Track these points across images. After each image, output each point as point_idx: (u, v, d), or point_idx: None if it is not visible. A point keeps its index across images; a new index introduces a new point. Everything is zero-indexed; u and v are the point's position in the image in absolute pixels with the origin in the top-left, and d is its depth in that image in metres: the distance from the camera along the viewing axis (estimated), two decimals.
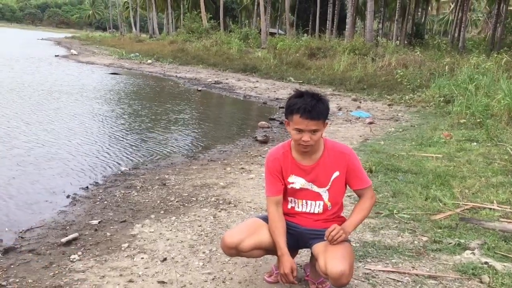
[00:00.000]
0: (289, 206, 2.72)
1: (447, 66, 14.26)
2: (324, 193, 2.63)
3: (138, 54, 26.62)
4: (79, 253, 3.43)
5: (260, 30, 33.14)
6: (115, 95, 13.24)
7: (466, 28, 31.29)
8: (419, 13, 40.95)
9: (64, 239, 3.66)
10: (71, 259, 3.31)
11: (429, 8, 44.07)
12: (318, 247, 2.59)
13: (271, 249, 2.69)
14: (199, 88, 14.60)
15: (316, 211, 2.67)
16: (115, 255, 3.37)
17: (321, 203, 2.65)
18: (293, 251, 2.85)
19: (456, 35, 32.55)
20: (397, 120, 9.71)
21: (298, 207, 2.71)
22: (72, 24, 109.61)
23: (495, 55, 14.15)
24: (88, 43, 42.31)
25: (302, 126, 2.42)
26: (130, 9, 64.17)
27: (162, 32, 49.10)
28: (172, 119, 9.57)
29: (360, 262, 3.18)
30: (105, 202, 4.62)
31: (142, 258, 3.32)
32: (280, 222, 2.63)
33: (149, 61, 23.05)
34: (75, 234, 3.76)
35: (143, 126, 8.79)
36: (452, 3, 44.49)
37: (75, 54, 28.38)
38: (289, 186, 2.66)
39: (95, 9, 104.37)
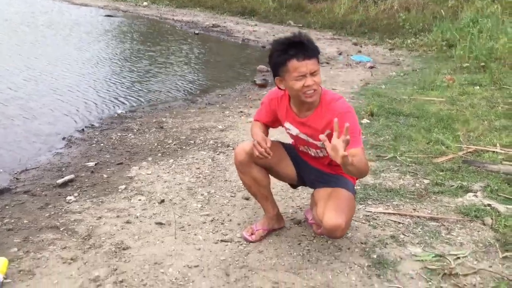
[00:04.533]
0: (285, 124, 2.59)
1: (450, 9, 13.83)
2: (321, 145, 2.44)
3: None
4: (75, 194, 3.38)
5: None
6: (109, 34, 12.89)
7: None
8: None
9: (60, 181, 3.60)
10: (67, 200, 3.27)
11: None
12: (321, 193, 2.50)
13: (278, 176, 2.73)
14: (197, 32, 14.19)
15: (320, 155, 2.57)
16: (112, 197, 3.33)
17: (323, 149, 2.51)
18: (296, 184, 2.83)
19: None
20: (398, 65, 9.50)
21: (301, 149, 2.65)
22: None
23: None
24: None
25: (303, 68, 2.23)
26: None
27: None
28: (169, 62, 9.33)
29: (361, 204, 3.14)
30: (102, 144, 4.53)
31: (140, 199, 3.28)
32: (257, 123, 2.65)
33: (145, 3, 22.27)
34: (71, 176, 3.70)
35: (139, 68, 8.56)
36: None
37: None
38: (287, 131, 2.60)
39: None
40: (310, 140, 2.50)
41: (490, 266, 2.44)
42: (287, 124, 2.55)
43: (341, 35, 14.14)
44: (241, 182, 2.76)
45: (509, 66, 7.26)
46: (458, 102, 5.64)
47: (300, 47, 2.26)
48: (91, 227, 2.88)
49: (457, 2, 15.30)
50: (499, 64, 7.35)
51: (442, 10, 13.60)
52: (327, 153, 2.53)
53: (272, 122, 2.65)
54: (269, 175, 2.69)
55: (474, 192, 3.23)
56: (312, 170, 2.64)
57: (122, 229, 2.87)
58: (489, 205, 3.04)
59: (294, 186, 2.92)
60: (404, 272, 2.41)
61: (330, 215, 2.29)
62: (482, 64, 7.64)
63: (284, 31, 14.53)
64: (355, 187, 2.63)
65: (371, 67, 9.10)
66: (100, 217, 3.01)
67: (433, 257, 2.51)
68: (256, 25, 16.19)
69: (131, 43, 11.69)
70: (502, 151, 3.94)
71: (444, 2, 15.93)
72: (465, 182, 3.39)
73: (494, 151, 3.96)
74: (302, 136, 2.51)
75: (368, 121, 4.95)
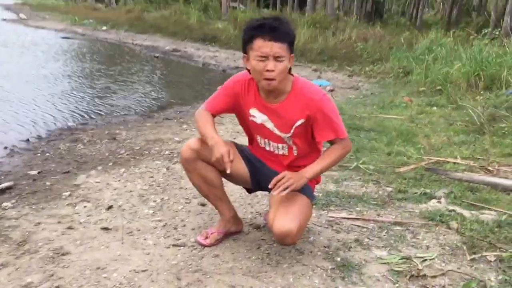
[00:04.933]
0: (251, 111, 2.36)
1: (406, 40, 14.29)
2: (287, 138, 2.32)
3: (92, 21, 25.37)
4: (13, 201, 3.08)
5: (221, 2, 32.35)
6: (67, 54, 12.56)
7: (423, 9, 31.69)
8: None
9: None
10: (3, 207, 2.96)
11: None
12: (274, 197, 2.29)
13: (234, 177, 2.49)
14: (156, 55, 14.02)
15: (280, 153, 2.40)
16: (54, 203, 3.04)
17: (285, 146, 2.37)
18: (252, 188, 2.62)
19: (413, 14, 32.90)
20: (357, 89, 9.59)
21: (261, 144, 2.43)
22: None
23: (452, 32, 14.29)
24: (39, 9, 40.17)
25: (266, 49, 2.07)
26: None
27: (119, 1, 47.24)
28: (127, 80, 9.07)
29: (323, 210, 2.99)
30: (47, 154, 4.23)
31: (85, 206, 3.01)
32: (209, 117, 2.36)
33: (104, 27, 21.99)
34: (10, 183, 3.39)
35: (96, 85, 8.28)
36: None
37: (24, 19, 26.86)
38: (250, 119, 2.35)
39: None
40: (276, 131, 2.31)
41: (459, 268, 2.31)
42: (252, 111, 2.33)
43: (301, 62, 14.27)
44: (191, 183, 2.53)
45: (464, 89, 7.42)
46: (417, 120, 5.65)
47: (271, 28, 2.10)
48: (27, 233, 2.59)
49: (412, 34, 15.89)
50: (454, 86, 7.50)
51: (402, 39, 14.01)
52: (288, 151, 2.39)
53: (227, 109, 2.41)
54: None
55: (437, 199, 3.14)
56: (269, 173, 2.41)
57: (63, 234, 2.59)
58: (453, 210, 2.95)
59: (249, 190, 2.72)
60: (369, 275, 2.25)
61: (280, 220, 2.12)
62: (438, 87, 7.79)
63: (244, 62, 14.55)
64: (314, 193, 2.48)
65: (331, 91, 9.14)
66: (38, 223, 2.72)
67: (399, 259, 2.37)
68: (217, 51, 16.19)
69: (89, 62, 11.39)
70: (463, 162, 3.91)
71: (399, 34, 16.51)
72: (428, 189, 3.31)
73: (455, 162, 3.92)
74: (268, 125, 2.31)
75: None
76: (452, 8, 29.68)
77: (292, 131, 2.29)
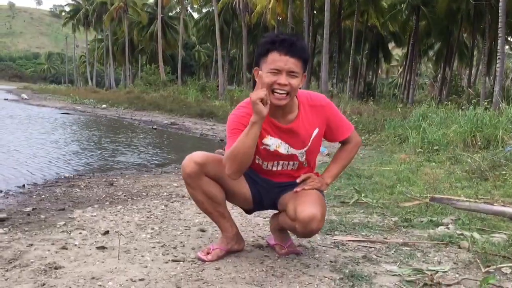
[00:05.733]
0: (257, 161, 2.30)
1: (399, 113, 14.62)
2: (300, 154, 2.29)
3: (92, 100, 26.10)
4: (5, 229, 2.95)
5: (218, 84, 33.38)
6: (68, 125, 12.76)
7: (414, 90, 32.83)
8: (369, 76, 42.86)
9: None
10: None
11: (379, 71, 46.29)
12: (287, 196, 2.30)
13: (231, 195, 2.37)
14: (155, 127, 14.25)
15: (289, 169, 2.35)
16: (48, 230, 2.93)
17: (296, 162, 2.33)
18: (251, 207, 2.51)
19: (404, 96, 33.96)
20: None
21: (267, 167, 2.33)
22: (26, 77, 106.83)
23: (445, 104, 14.69)
24: (41, 92, 41.41)
25: (281, 63, 2.06)
26: (87, 64, 63.72)
27: (120, 85, 48.81)
28: (126, 145, 9.12)
29: (328, 234, 2.88)
30: (43, 196, 4.15)
31: (80, 233, 2.89)
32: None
33: (104, 105, 22.57)
34: (3, 215, 3.28)
35: (94, 147, 8.32)
36: (401, 67, 46.96)
37: (26, 99, 27.56)
38: (262, 147, 2.24)
39: (51, 63, 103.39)
40: (291, 149, 2.26)
41: (474, 277, 2.19)
42: (266, 140, 2.23)
43: None
44: (193, 200, 2.44)
45: (461, 149, 7.48)
46: (417, 171, 5.63)
47: (288, 43, 2.10)
48: (19, 252, 2.46)
49: (405, 107, 16.30)
50: (451, 146, 7.56)
51: (398, 109, 14.32)
52: (298, 165, 2.33)
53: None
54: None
55: (445, 225, 3.04)
56: (273, 187, 2.37)
57: (56, 253, 2.46)
58: (462, 234, 2.85)
59: (248, 211, 2.61)
60: (381, 284, 2.11)
61: (304, 207, 2.11)
62: (435, 147, 7.85)
63: None
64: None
65: (328, 154, 9.21)
66: (31, 244, 2.60)
67: (411, 271, 2.24)
68: (214, 124, 16.45)
69: (90, 131, 11.57)
70: (466, 199, 3.83)
71: (393, 109, 16.94)
72: (434, 218, 3.22)
73: (459, 199, 3.84)
74: (282, 149, 2.25)
75: None
76: (442, 88, 30.81)
77: (309, 144, 2.27)
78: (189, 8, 48.93)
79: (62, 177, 5.22)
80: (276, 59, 2.09)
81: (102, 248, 2.53)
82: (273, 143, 2.25)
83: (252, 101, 2.04)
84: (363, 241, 2.74)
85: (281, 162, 2.32)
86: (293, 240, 2.55)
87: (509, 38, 30.32)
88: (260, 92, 2.04)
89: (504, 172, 5.02)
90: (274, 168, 2.34)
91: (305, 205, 2.13)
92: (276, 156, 2.29)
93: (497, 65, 15.05)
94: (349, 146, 2.39)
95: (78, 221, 3.18)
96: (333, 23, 29.06)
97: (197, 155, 2.30)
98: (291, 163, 2.33)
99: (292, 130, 2.24)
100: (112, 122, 15.54)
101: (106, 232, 2.85)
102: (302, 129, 2.25)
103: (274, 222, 2.53)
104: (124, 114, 18.97)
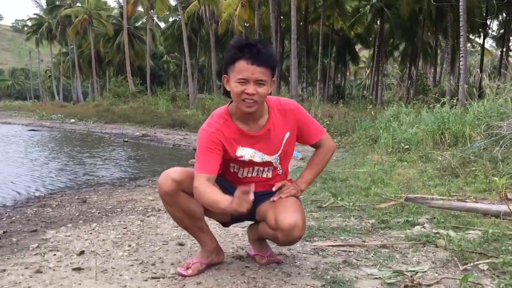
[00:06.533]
0: (232, 170, 2.32)
1: (369, 114, 14.83)
2: (274, 159, 2.30)
3: (60, 115, 25.58)
4: None
5: (188, 93, 33.19)
6: (35, 142, 12.47)
7: (382, 90, 33.39)
8: (338, 78, 43.43)
9: None
10: None
11: (348, 73, 46.98)
12: (265, 206, 2.29)
13: (208, 209, 2.32)
14: (126, 139, 14.06)
15: (264, 176, 2.35)
16: (21, 254, 2.83)
17: (271, 168, 2.34)
18: (228, 223, 2.52)
19: (373, 97, 34.53)
20: None
21: (243, 174, 2.34)
22: None
23: (413, 103, 14.98)
24: (5, 109, 40.37)
25: (247, 73, 2.05)
26: (52, 78, 62.46)
27: (88, 98, 48.03)
28: (97, 160, 8.96)
29: (307, 241, 2.88)
30: (13, 218, 4.01)
31: (55, 254, 2.80)
32: (214, 189, 2.12)
33: (72, 120, 22.17)
34: None
35: (63, 163, 8.14)
36: (368, 69, 47.77)
37: None
38: (238, 159, 2.25)
39: (15, 79, 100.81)
40: (265, 156, 2.26)
41: (453, 276, 2.22)
42: (239, 151, 2.23)
43: None
44: (170, 217, 2.41)
45: (431, 147, 7.62)
46: (390, 171, 5.70)
47: (254, 51, 2.06)
48: None
49: (375, 108, 16.56)
50: (421, 145, 7.70)
51: (367, 111, 14.51)
52: (272, 172, 2.34)
53: (222, 163, 2.23)
54: None
55: (421, 225, 3.09)
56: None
57: (31, 277, 2.38)
58: (438, 233, 2.90)
59: (226, 224, 2.61)
60: None
61: (285, 215, 2.11)
62: (406, 147, 7.98)
63: None
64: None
65: (302, 159, 9.26)
66: (3, 270, 2.50)
67: (391, 273, 2.26)
68: (186, 134, 16.39)
69: (60, 147, 11.30)
70: (439, 197, 3.90)
71: (363, 110, 17.17)
72: (410, 218, 3.26)
73: (433, 198, 3.91)
74: (257, 158, 2.25)
75: None
76: (409, 88, 31.43)
77: (281, 148, 2.29)
78: (155, 18, 48.53)
79: (33, 196, 5.09)
80: (243, 69, 2.07)
81: (78, 269, 2.47)
82: (246, 153, 2.25)
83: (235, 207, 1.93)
84: (343, 246, 2.76)
85: (256, 168, 2.32)
86: (273, 248, 2.55)
87: (470, 36, 31.21)
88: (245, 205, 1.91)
89: (474, 168, 5.14)
90: (249, 175, 2.34)
91: (286, 213, 2.13)
92: (251, 164, 2.29)
93: (461, 63, 15.50)
94: (322, 150, 2.39)
95: (52, 242, 3.09)
96: (300, 27, 29.44)
97: (174, 172, 2.24)
98: (266, 168, 2.33)
99: (263, 136, 2.24)
100: (81, 137, 15.26)
101: (82, 252, 2.78)
102: (273, 134, 2.26)
103: (252, 233, 2.52)
104: (94, 128, 18.68)
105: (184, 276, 2.30)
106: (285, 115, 2.27)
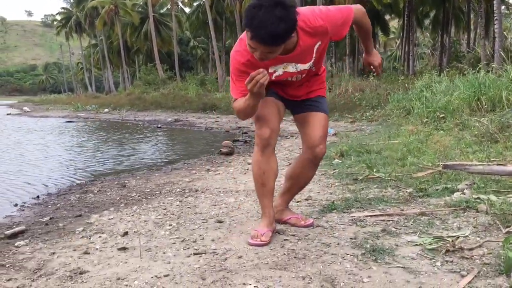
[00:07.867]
0: (270, 70, 2.31)
1: (402, 85, 14.52)
2: (308, 66, 2.37)
3: (94, 106, 26.15)
4: (26, 241, 2.97)
5: (217, 76, 33.26)
6: (73, 133, 12.80)
7: (414, 60, 32.57)
8: None
9: (8, 232, 3.20)
10: (16, 245, 2.86)
11: (377, 45, 45.91)
12: (309, 118, 2.58)
13: None
14: (159, 125, 14.28)
15: (300, 78, 2.43)
16: (68, 238, 2.95)
17: (305, 72, 2.41)
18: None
19: (405, 68, 33.77)
20: (361, 131, 9.64)
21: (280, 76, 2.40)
22: (26, 90, 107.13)
23: (447, 71, 14.58)
24: (42, 103, 41.52)
25: (254, 45, 2.07)
26: (84, 70, 63.74)
27: (119, 88, 48.77)
28: (133, 146, 9.16)
29: (344, 212, 2.88)
30: (58, 205, 4.17)
31: (100, 236, 2.90)
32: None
33: (106, 110, 22.64)
34: (22, 227, 3.31)
35: (102, 151, 8.36)
36: (398, 40, 46.61)
37: (28, 111, 27.65)
38: (273, 76, 2.33)
39: (48, 74, 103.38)
40: (300, 66, 2.34)
41: (496, 240, 2.19)
42: (271, 68, 2.29)
43: None
44: (253, 170, 2.50)
45: (467, 114, 7.43)
46: (426, 140, 5.61)
47: (261, 33, 2.01)
48: (42, 262, 2.49)
49: (407, 79, 16.19)
50: (457, 113, 7.51)
51: (399, 82, 14.22)
52: (310, 73, 2.44)
53: None
54: None
55: (461, 191, 3.04)
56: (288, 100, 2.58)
57: (79, 258, 2.49)
58: (478, 198, 2.85)
59: None
60: (403, 255, 2.12)
61: (322, 146, 2.55)
62: (442, 115, 7.80)
63: (247, 120, 14.76)
64: None
65: (334, 134, 9.19)
66: (53, 253, 2.62)
67: (432, 239, 2.25)
68: (218, 117, 16.48)
69: (96, 136, 11.60)
70: (479, 163, 3.82)
71: (394, 82, 16.82)
72: (449, 185, 3.22)
73: (472, 164, 3.83)
74: (290, 68, 2.33)
75: (339, 161, 4.81)
76: (442, 56, 30.54)
77: (314, 55, 2.33)
78: (180, 3, 48.57)
79: (75, 184, 5.26)
80: (249, 42, 2.10)
81: (124, 249, 2.56)
82: (278, 67, 2.33)
83: (249, 90, 2.12)
84: (381, 215, 2.75)
85: (294, 76, 2.40)
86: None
87: None
88: (261, 78, 2.07)
89: None
90: (289, 79, 2.42)
91: (323, 143, 2.57)
92: (288, 74, 2.38)
93: (495, 27, 14.93)
94: (361, 23, 2.47)
95: (96, 226, 3.20)
96: (326, 0, 28.86)
97: (272, 123, 2.43)
98: (302, 75, 2.41)
99: (293, 57, 2.28)
100: (116, 125, 15.57)
101: (125, 233, 2.88)
102: (305, 51, 2.28)
103: (281, 197, 2.76)
104: (127, 116, 19.01)
105: (261, 245, 2.37)
106: (315, 33, 2.25)
